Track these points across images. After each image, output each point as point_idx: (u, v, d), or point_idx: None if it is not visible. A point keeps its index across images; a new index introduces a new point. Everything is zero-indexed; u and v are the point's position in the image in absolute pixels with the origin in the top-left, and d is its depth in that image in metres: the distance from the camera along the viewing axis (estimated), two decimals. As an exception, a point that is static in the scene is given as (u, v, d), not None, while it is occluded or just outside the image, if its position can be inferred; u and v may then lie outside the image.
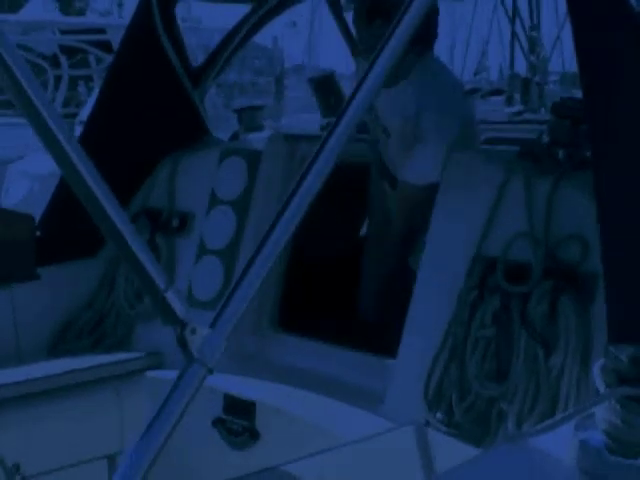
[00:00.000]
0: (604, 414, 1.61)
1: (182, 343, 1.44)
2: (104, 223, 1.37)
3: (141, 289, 3.47)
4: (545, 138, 2.98)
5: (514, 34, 13.80)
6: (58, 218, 3.79)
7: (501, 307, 2.67)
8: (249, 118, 4.29)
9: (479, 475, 1.60)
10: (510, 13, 13.77)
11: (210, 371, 1.44)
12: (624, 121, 2.37)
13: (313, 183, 1.61)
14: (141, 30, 4.02)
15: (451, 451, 2.53)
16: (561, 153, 2.87)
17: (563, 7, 2.59)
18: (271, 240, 1.53)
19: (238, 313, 1.50)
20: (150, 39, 3.98)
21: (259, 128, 4.30)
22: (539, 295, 2.61)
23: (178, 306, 1.44)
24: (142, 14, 4.00)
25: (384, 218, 3.60)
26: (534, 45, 12.51)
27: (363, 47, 3.49)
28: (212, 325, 1.47)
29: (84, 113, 9.99)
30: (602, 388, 1.61)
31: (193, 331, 1.44)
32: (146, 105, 3.99)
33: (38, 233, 3.82)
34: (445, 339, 2.78)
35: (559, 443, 1.62)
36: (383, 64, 1.70)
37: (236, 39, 4.21)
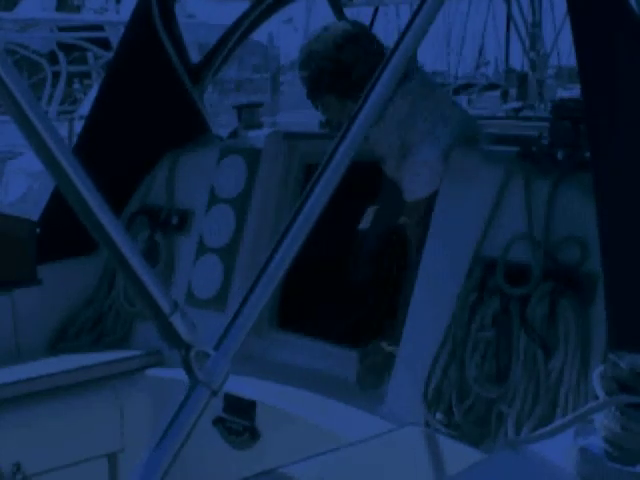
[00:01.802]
0: (604, 421, 1.61)
1: (187, 366, 1.44)
2: (108, 247, 1.37)
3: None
4: (545, 138, 2.98)
5: (509, 29, 13.81)
6: (57, 216, 3.78)
7: (501, 309, 2.68)
8: (248, 116, 4.29)
9: None
10: (511, 10, 13.78)
11: (214, 393, 1.44)
12: (623, 121, 2.37)
13: (323, 192, 1.61)
14: (141, 27, 4.02)
15: (451, 452, 2.54)
16: (561, 154, 2.87)
17: (561, 3, 2.59)
18: (278, 256, 1.53)
19: (243, 333, 1.50)
20: (149, 36, 3.98)
21: (258, 126, 4.30)
22: (539, 297, 2.61)
23: (183, 329, 1.43)
24: (142, 11, 4.00)
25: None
26: (534, 42, 12.50)
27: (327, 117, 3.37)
28: (216, 347, 1.46)
29: (85, 108, 9.99)
30: (602, 395, 1.61)
31: (198, 354, 1.44)
32: (146, 102, 3.99)
33: (38, 230, 3.83)
34: (445, 340, 2.78)
35: (559, 450, 1.63)
36: (394, 66, 1.70)
37: (234, 36, 4.21)
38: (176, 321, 1.42)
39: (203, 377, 1.43)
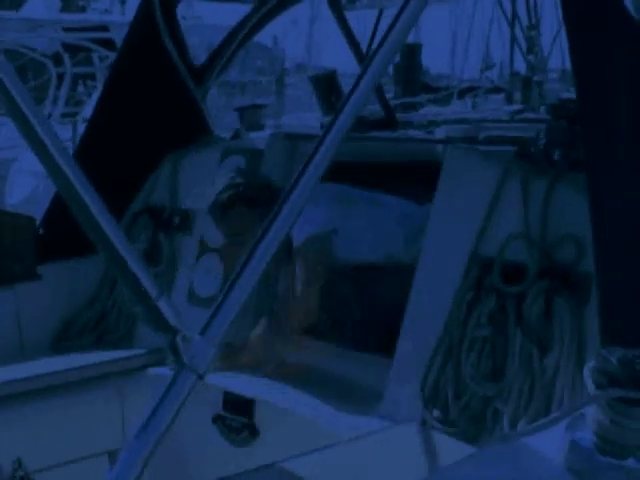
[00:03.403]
0: (594, 415, 1.63)
1: (173, 350, 1.45)
2: (94, 233, 1.38)
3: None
4: (542, 138, 3.00)
5: (513, 32, 13.81)
6: (60, 216, 3.80)
7: (497, 307, 2.70)
8: (250, 117, 4.32)
9: (470, 475, 1.63)
10: (508, 13, 13.79)
11: (200, 377, 1.46)
12: (617, 122, 2.39)
13: (308, 184, 1.63)
14: (143, 29, 4.05)
15: (447, 449, 2.56)
16: (557, 154, 2.89)
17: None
18: (262, 245, 1.55)
19: (228, 319, 1.51)
20: (152, 38, 4.01)
21: (260, 127, 4.33)
22: (534, 295, 2.63)
23: (169, 314, 1.45)
24: (144, 13, 4.03)
25: None
26: (533, 45, 12.51)
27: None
28: (202, 332, 1.48)
29: (89, 110, 9.99)
30: (592, 390, 1.63)
31: (184, 338, 1.45)
32: (148, 104, 4.02)
33: (41, 231, 3.86)
34: (442, 339, 2.81)
35: (550, 443, 1.65)
36: (380, 62, 1.72)
37: (238, 38, 4.24)
38: (162, 306, 1.44)
39: (189, 361, 1.44)
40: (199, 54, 5.06)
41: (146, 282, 1.42)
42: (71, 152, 4.51)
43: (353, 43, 4.62)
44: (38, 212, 3.95)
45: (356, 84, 1.68)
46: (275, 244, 1.55)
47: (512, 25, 13.55)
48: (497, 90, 14.79)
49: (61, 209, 3.92)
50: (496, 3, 14.58)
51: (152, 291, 1.43)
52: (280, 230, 1.56)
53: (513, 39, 13.88)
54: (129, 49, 4.13)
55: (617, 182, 2.31)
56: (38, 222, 3.88)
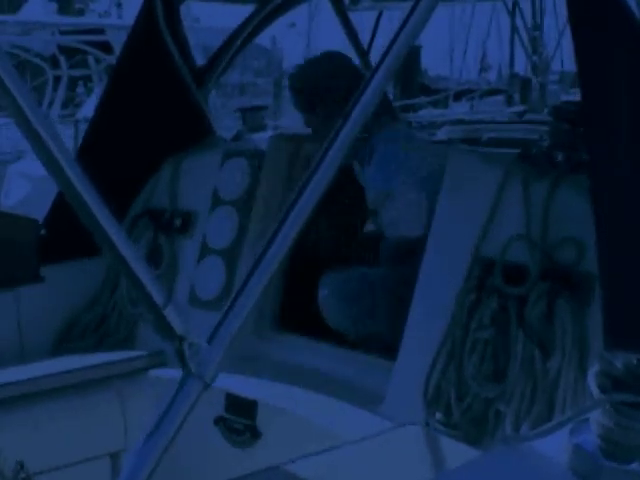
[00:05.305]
0: (599, 419, 1.63)
1: (180, 357, 1.45)
2: (102, 240, 1.38)
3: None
4: (545, 140, 3.01)
5: (514, 33, 13.80)
6: (62, 217, 3.80)
7: (499, 309, 2.70)
8: (253, 118, 4.32)
9: (474, 478, 1.63)
10: (510, 12, 13.78)
11: (207, 385, 1.45)
12: (619, 123, 2.39)
13: (317, 187, 1.63)
14: (145, 30, 4.05)
15: (449, 451, 2.56)
16: (559, 156, 2.89)
17: (563, 7, 2.61)
18: (270, 252, 1.54)
19: (235, 327, 1.51)
20: (154, 39, 4.01)
21: (263, 127, 4.33)
22: (536, 297, 2.64)
23: (176, 321, 1.44)
24: (146, 14, 4.03)
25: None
26: (536, 45, 12.52)
27: (313, 129, 3.61)
28: (209, 340, 1.47)
29: (87, 110, 9.99)
30: (596, 393, 1.63)
31: (191, 346, 1.45)
32: (150, 105, 4.01)
33: (43, 232, 3.86)
34: (444, 340, 2.81)
35: (554, 447, 1.65)
36: (389, 63, 1.72)
37: (239, 39, 4.24)
38: (170, 313, 1.43)
39: (196, 369, 1.44)
40: (197, 56, 5.04)
41: (152, 288, 1.42)
42: (72, 154, 4.51)
43: (356, 44, 4.61)
44: (34, 215, 3.94)
45: (366, 86, 1.68)
46: (283, 249, 1.55)
47: (513, 17, 13.54)
48: (495, 92, 14.82)
49: (63, 211, 3.92)
50: (497, 4, 14.59)
51: (158, 298, 1.42)
52: (289, 235, 1.55)
53: (513, 37, 13.89)
54: (131, 51, 4.12)
55: (620, 183, 2.31)
56: (40, 224, 3.88)
